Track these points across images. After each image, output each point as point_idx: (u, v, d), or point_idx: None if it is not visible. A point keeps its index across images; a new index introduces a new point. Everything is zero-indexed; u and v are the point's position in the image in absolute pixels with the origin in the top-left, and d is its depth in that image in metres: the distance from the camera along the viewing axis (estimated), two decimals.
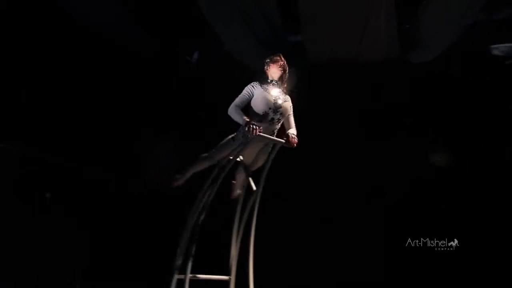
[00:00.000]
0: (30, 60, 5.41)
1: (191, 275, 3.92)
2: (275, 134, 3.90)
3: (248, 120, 3.70)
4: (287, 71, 3.98)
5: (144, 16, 6.06)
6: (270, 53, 4.13)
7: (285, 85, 3.99)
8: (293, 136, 3.83)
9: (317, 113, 6.21)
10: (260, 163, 4.03)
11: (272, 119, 3.84)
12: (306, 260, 5.94)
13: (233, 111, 3.81)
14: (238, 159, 4.05)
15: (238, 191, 4.30)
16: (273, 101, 3.83)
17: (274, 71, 3.94)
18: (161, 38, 6.41)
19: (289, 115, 3.95)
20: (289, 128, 3.95)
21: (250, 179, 4.08)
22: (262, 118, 3.81)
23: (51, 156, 5.62)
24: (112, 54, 6.23)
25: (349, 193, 6.17)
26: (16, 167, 5.28)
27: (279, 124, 3.92)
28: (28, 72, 5.41)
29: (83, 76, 6.02)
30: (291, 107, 3.97)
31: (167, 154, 5.93)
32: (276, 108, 3.84)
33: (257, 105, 3.83)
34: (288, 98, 3.97)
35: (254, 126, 3.62)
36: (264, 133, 3.79)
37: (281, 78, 3.95)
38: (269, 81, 3.96)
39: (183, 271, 3.90)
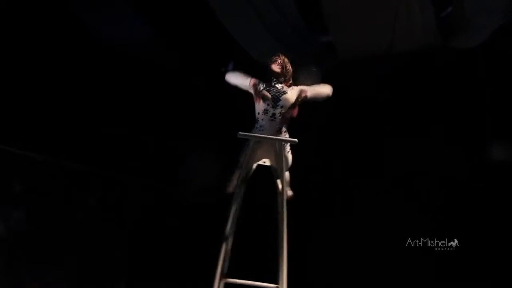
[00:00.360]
0: (67, 77, 5.75)
1: (238, 280, 3.91)
2: (282, 131, 3.90)
3: (255, 82, 3.83)
4: (287, 67, 3.98)
5: (169, 30, 6.21)
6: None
7: (290, 80, 4.00)
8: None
9: (354, 108, 6.10)
10: (284, 165, 3.99)
11: (273, 114, 3.88)
12: (338, 260, 5.83)
13: (235, 74, 3.94)
14: (267, 163, 4.07)
15: (289, 194, 4.30)
16: (270, 96, 3.88)
17: (275, 69, 3.98)
18: (186, 51, 6.54)
19: (306, 91, 3.94)
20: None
21: (278, 182, 4.07)
22: (263, 115, 3.88)
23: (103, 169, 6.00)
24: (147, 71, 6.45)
25: (385, 189, 5.98)
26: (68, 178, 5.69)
27: (283, 119, 3.89)
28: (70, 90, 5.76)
29: (127, 93, 6.31)
30: (301, 91, 3.94)
31: (207, 162, 6.05)
32: (275, 103, 3.87)
33: (258, 103, 3.90)
34: (292, 89, 3.97)
35: (261, 86, 3.78)
36: (268, 131, 3.84)
37: (282, 75, 3.97)
38: (271, 80, 4.00)
39: (228, 275, 3.91)
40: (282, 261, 3.86)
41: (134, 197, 6.37)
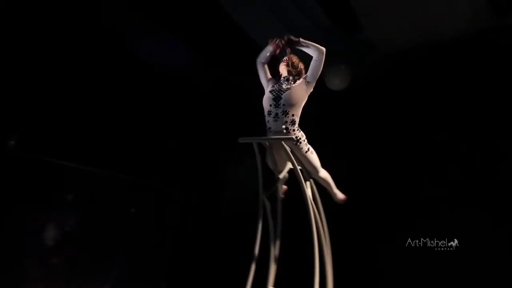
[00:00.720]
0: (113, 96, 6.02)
1: None
2: (291, 130, 3.73)
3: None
4: (293, 63, 3.89)
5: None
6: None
7: (296, 76, 3.87)
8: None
9: (402, 103, 5.86)
10: (307, 167, 3.91)
11: (276, 114, 3.77)
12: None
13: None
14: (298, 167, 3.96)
15: (339, 197, 4.20)
16: (272, 96, 3.81)
17: (282, 69, 3.95)
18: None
19: (306, 76, 3.80)
20: None
21: (307, 184, 3.96)
22: (268, 117, 3.81)
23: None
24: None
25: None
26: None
27: (288, 117, 3.74)
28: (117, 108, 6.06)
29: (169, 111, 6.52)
30: (302, 83, 3.78)
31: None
32: (277, 102, 3.78)
33: (264, 105, 3.87)
34: (296, 83, 3.82)
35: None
36: (275, 132, 3.75)
37: (290, 73, 3.89)
38: (279, 78, 3.94)
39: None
40: (316, 272, 3.71)
41: (176, 204, 6.67)
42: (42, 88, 5.46)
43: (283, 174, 4.04)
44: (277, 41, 3.81)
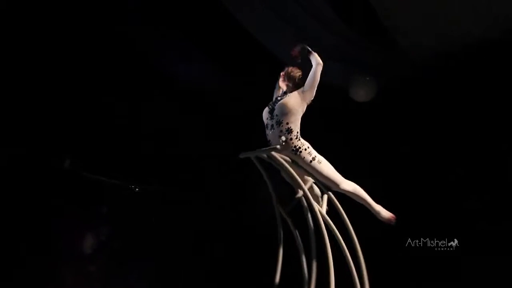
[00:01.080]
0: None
1: None
2: (288, 139, 3.60)
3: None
4: (289, 76, 3.80)
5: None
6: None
7: (294, 88, 3.76)
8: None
9: (443, 112, 5.64)
10: (319, 178, 3.73)
11: (272, 126, 3.69)
12: None
13: None
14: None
15: (383, 215, 3.83)
16: (268, 109, 3.78)
17: (281, 84, 3.88)
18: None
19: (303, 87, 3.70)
20: None
21: (325, 198, 3.80)
22: (267, 130, 3.75)
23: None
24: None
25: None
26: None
27: (282, 126, 3.61)
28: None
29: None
30: (298, 92, 3.68)
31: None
32: (272, 114, 3.71)
33: (263, 119, 3.82)
34: (287, 95, 3.72)
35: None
36: (273, 144, 3.64)
37: (288, 86, 3.81)
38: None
39: None
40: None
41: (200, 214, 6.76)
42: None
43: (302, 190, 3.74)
44: (296, 47, 3.76)
